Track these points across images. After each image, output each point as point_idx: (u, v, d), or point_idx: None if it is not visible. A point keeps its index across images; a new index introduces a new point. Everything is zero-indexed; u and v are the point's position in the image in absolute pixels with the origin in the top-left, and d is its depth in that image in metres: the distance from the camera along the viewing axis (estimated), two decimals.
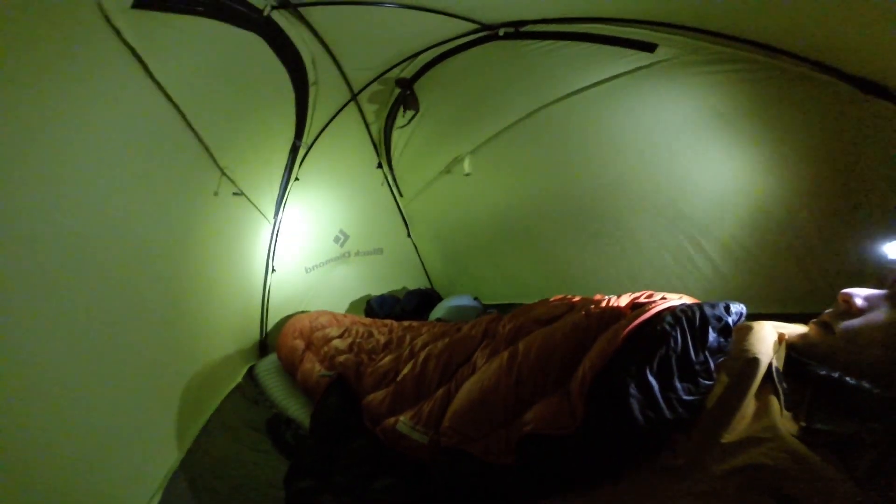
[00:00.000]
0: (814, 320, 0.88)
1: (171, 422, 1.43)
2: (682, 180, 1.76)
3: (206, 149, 1.64)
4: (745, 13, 1.33)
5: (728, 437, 0.73)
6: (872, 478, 0.60)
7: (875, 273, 1.27)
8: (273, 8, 1.50)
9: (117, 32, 1.03)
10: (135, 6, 1.02)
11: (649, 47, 1.61)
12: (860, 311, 0.79)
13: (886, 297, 0.78)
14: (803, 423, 0.71)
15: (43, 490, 0.94)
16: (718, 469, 0.70)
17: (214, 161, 1.73)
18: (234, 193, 2.00)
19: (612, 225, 2.04)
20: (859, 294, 0.81)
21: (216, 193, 1.83)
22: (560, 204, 2.22)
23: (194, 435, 1.50)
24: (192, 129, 1.50)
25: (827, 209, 1.44)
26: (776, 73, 1.39)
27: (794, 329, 0.92)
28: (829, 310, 0.86)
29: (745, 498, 0.64)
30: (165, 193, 1.50)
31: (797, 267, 1.55)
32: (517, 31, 1.86)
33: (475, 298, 2.81)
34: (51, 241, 1.00)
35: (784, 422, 0.72)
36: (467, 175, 2.49)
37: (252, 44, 1.59)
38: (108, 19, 0.99)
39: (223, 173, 1.82)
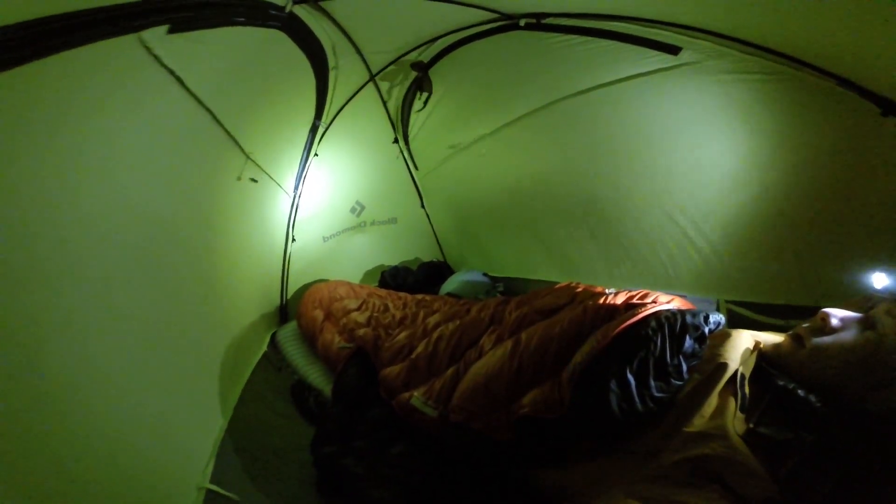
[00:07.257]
0: (790, 332, 0.93)
1: (215, 392, 1.51)
2: (693, 181, 1.77)
3: (233, 139, 1.72)
4: (773, 24, 1.31)
5: (688, 429, 0.82)
6: (788, 481, 0.70)
7: (860, 291, 1.32)
8: (294, 3, 1.53)
9: (157, 59, 1.10)
10: (170, 32, 1.08)
11: (673, 50, 1.59)
12: (833, 331, 0.84)
13: (859, 321, 0.83)
14: (751, 426, 0.79)
15: (111, 471, 0.95)
16: (674, 457, 0.79)
17: (240, 148, 1.81)
18: (251, 179, 2.05)
19: (617, 215, 2.08)
20: (836, 314, 0.85)
21: (239, 178, 1.90)
22: (569, 191, 2.26)
23: (233, 403, 1.58)
24: (221, 125, 1.57)
25: (834, 216, 1.45)
26: (799, 84, 1.38)
27: (771, 338, 0.97)
28: (806, 324, 0.90)
29: (693, 481, 0.73)
30: (196, 183, 1.57)
31: (795, 262, 1.57)
32: (539, 22, 1.84)
33: (484, 274, 2.89)
34: (102, 235, 1.04)
35: (735, 422, 0.80)
36: (483, 156, 2.52)
37: (275, 39, 1.62)
38: (148, 50, 1.05)
39: (248, 158, 1.89)
